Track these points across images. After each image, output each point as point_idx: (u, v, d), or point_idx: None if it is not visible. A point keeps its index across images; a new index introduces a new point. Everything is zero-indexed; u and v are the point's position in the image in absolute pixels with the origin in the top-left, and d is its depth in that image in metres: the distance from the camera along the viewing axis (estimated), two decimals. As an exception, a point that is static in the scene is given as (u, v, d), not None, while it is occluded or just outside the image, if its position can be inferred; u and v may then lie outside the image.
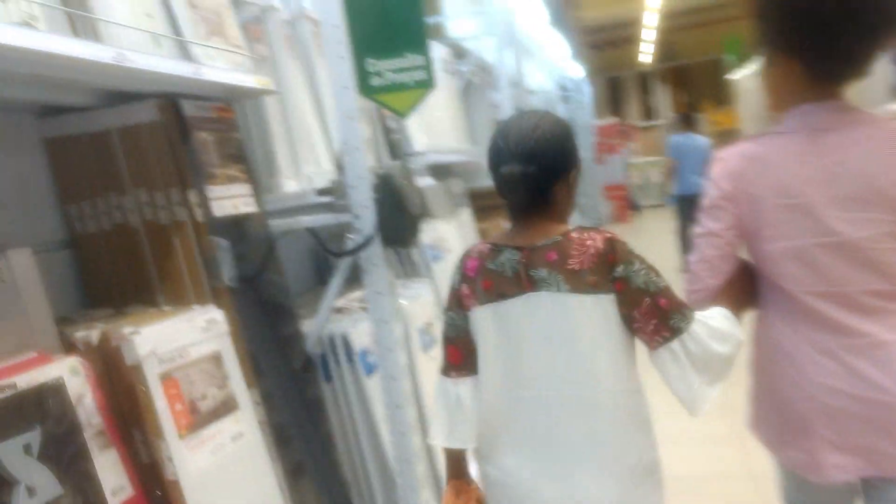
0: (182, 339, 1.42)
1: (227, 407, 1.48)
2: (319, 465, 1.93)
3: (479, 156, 4.58)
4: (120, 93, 1.60)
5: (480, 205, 5.26)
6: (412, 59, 1.88)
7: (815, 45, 1.26)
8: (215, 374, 1.48)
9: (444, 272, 3.15)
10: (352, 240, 1.85)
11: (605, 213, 12.37)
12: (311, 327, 1.96)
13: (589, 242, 1.27)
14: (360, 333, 2.02)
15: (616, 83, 17.62)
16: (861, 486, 1.37)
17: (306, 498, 1.82)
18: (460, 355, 1.40)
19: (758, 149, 1.35)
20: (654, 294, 1.26)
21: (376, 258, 1.85)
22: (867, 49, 1.26)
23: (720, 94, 14.65)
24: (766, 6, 1.32)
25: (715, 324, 1.29)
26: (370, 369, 2.03)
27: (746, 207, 1.33)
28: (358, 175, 1.84)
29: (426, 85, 1.90)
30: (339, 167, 1.88)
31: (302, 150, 2.15)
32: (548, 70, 8.53)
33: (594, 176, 12.63)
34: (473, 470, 1.46)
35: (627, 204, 13.05)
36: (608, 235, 1.29)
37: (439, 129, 3.80)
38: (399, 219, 1.82)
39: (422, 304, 2.47)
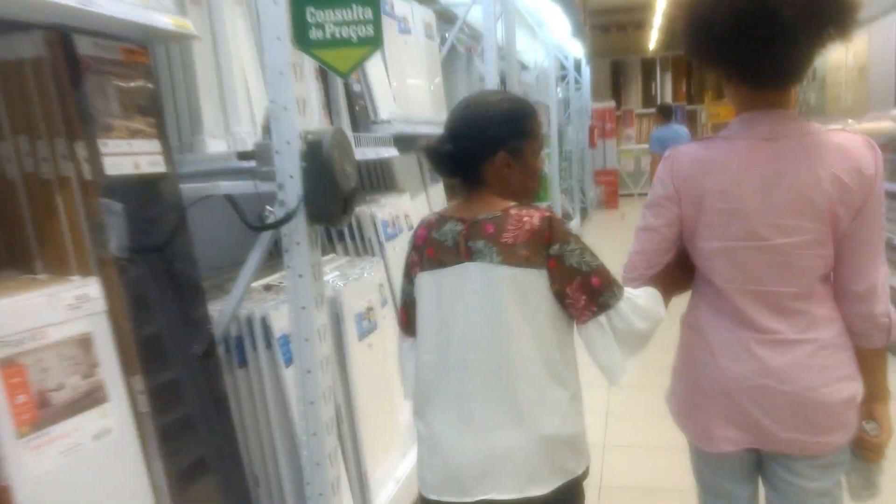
0: (38, 319, 1.20)
1: (92, 399, 1.27)
2: (226, 461, 1.73)
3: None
4: (2, 21, 1.36)
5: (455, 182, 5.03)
6: (359, 12, 1.64)
7: (733, 55, 1.33)
8: (81, 360, 1.26)
9: (401, 251, 2.94)
10: (272, 212, 1.63)
11: (592, 197, 12.16)
12: (225, 307, 1.74)
13: (526, 219, 1.33)
14: (283, 316, 1.81)
15: (619, 67, 17.30)
16: (758, 461, 1.54)
17: (208, 497, 1.63)
18: (406, 318, 1.52)
19: (705, 152, 1.42)
20: (586, 273, 1.32)
21: (299, 235, 1.63)
22: (787, 53, 1.30)
23: (721, 87, 14.42)
24: (683, 27, 1.39)
25: (640, 302, 1.38)
26: (291, 358, 1.82)
27: (688, 207, 1.42)
28: (285, 139, 1.60)
29: (373, 42, 1.66)
30: (265, 129, 1.65)
31: (234, 107, 1.91)
32: (546, 46, 8.20)
33: (586, 159, 12.42)
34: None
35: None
36: (546, 214, 1.34)
37: (415, 98, 3.54)
38: (327, 192, 1.60)
39: (363, 287, 2.26)
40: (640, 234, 1.51)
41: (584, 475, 1.43)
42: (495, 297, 1.33)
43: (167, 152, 1.62)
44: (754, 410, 1.41)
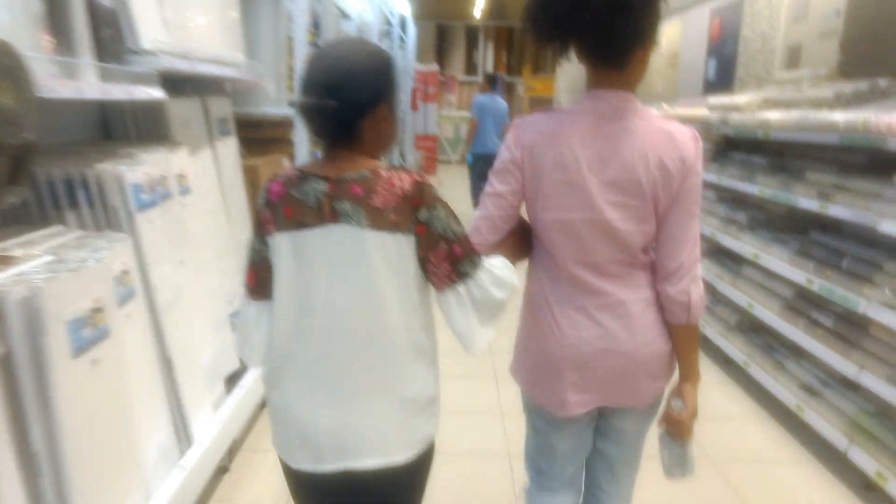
0: None
1: None
2: None
3: (259, 74, 3.68)
4: None
5: (255, 136, 4.36)
6: None
7: (574, 27, 1.35)
8: None
9: (165, 222, 2.28)
10: None
11: (412, 162, 11.86)
12: None
13: (396, 182, 1.27)
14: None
15: (444, 31, 17.03)
16: (595, 415, 1.65)
17: None
18: (255, 279, 1.39)
19: (549, 123, 1.45)
20: (451, 241, 1.30)
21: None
22: (622, 25, 1.32)
23: (540, 61, 14.71)
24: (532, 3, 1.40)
25: (497, 272, 1.36)
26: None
27: (530, 176, 1.46)
28: None
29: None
30: None
31: None
32: (370, -3, 7.58)
33: (407, 123, 12.06)
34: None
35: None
36: (417, 179, 1.29)
37: (197, 30, 2.84)
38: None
39: (87, 278, 1.61)
40: (486, 200, 1.52)
41: (434, 443, 1.44)
42: (362, 262, 1.27)
43: None
44: (600, 372, 1.51)
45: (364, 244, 1.26)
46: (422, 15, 16.83)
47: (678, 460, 1.58)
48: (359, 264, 1.27)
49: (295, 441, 1.34)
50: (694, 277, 1.47)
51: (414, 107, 11.66)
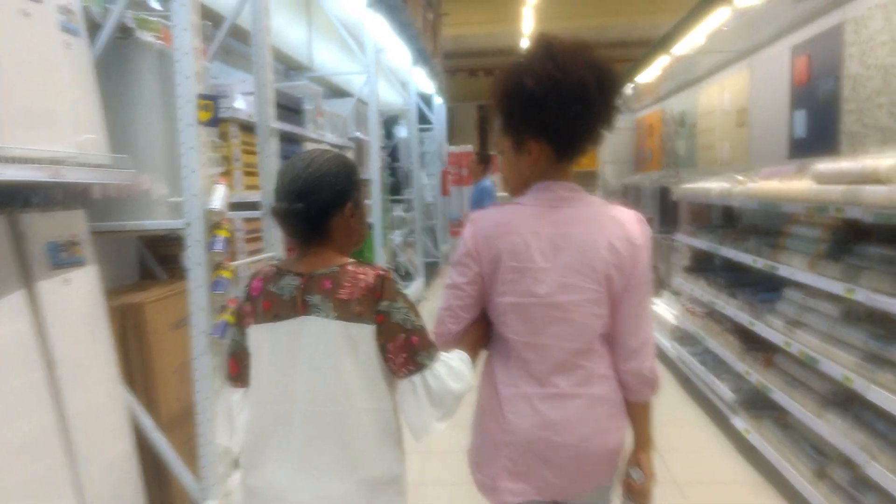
0: None
1: None
2: None
3: (135, 175, 2.52)
4: None
5: (158, 253, 3.19)
6: None
7: (555, 126, 1.46)
8: None
9: None
10: None
11: (444, 251, 10.62)
12: None
13: (361, 276, 1.42)
14: None
15: (486, 112, 16.26)
16: None
17: None
18: (237, 368, 1.55)
19: (502, 216, 1.54)
20: (409, 331, 1.42)
21: None
22: (592, 128, 1.48)
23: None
24: (506, 99, 1.50)
25: (454, 364, 1.47)
26: None
27: (488, 265, 1.52)
28: None
29: None
30: None
31: None
32: (367, 70, 6.51)
33: (437, 208, 10.90)
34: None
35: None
36: (380, 272, 1.44)
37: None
38: None
39: None
40: (447, 292, 1.59)
41: None
42: (330, 351, 1.40)
43: None
44: (535, 462, 1.54)
45: (331, 334, 1.40)
46: (461, 97, 16.18)
47: None
48: (327, 352, 1.41)
49: None
50: (654, 353, 1.57)
51: (444, 191, 10.53)
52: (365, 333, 1.39)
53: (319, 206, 1.42)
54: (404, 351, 1.40)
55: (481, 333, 1.60)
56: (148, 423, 2.48)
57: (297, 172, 1.43)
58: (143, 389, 2.62)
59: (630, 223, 1.49)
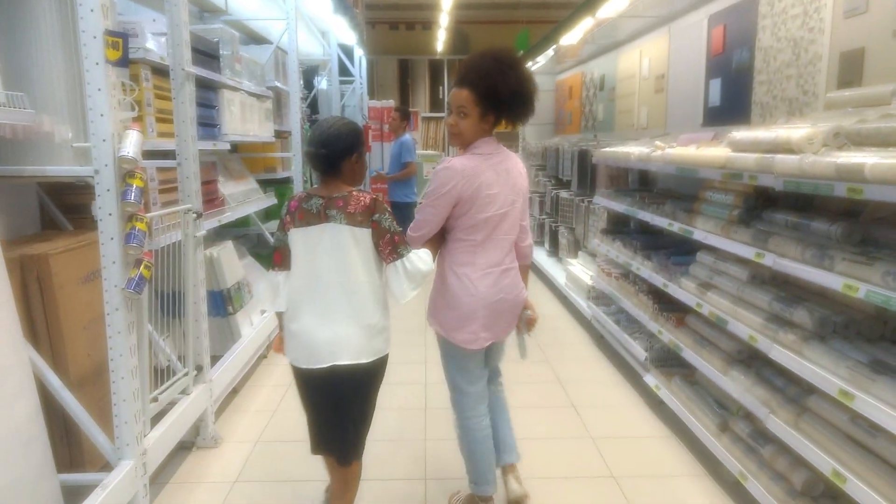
0: None
1: None
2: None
3: (36, 115, 2.32)
4: None
5: (62, 203, 2.99)
6: None
7: (511, 109, 2.46)
8: None
9: None
10: None
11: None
12: None
13: (362, 198, 2.22)
14: None
15: (408, 67, 15.91)
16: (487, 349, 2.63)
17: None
18: (281, 258, 2.31)
19: (470, 161, 2.40)
20: (392, 233, 2.24)
21: None
22: (528, 110, 2.49)
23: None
24: (489, 94, 2.39)
25: (422, 255, 2.31)
26: None
27: (466, 194, 2.37)
28: None
29: None
30: None
31: None
32: (287, 19, 6.23)
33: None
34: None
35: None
36: (374, 196, 2.22)
37: None
38: None
39: None
40: (426, 209, 2.43)
41: (387, 356, 2.35)
42: (342, 245, 2.20)
43: None
44: (495, 316, 2.51)
45: (343, 234, 2.20)
46: (383, 50, 15.79)
47: (523, 346, 2.71)
48: (340, 246, 2.21)
49: (303, 351, 2.24)
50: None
51: (366, 147, 10.32)
52: (364, 234, 2.20)
53: (336, 152, 2.23)
54: (389, 245, 2.23)
55: (438, 240, 2.50)
56: (55, 381, 2.33)
57: (323, 129, 2.24)
58: (48, 346, 2.46)
59: (521, 163, 2.56)
